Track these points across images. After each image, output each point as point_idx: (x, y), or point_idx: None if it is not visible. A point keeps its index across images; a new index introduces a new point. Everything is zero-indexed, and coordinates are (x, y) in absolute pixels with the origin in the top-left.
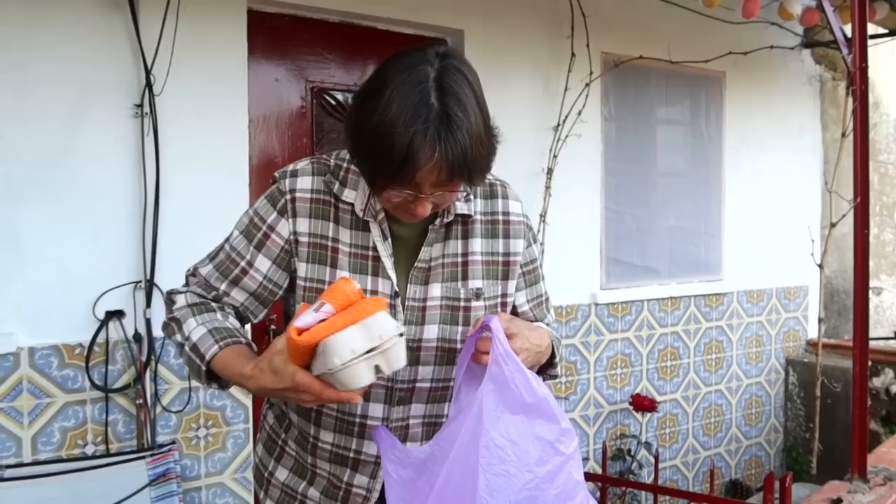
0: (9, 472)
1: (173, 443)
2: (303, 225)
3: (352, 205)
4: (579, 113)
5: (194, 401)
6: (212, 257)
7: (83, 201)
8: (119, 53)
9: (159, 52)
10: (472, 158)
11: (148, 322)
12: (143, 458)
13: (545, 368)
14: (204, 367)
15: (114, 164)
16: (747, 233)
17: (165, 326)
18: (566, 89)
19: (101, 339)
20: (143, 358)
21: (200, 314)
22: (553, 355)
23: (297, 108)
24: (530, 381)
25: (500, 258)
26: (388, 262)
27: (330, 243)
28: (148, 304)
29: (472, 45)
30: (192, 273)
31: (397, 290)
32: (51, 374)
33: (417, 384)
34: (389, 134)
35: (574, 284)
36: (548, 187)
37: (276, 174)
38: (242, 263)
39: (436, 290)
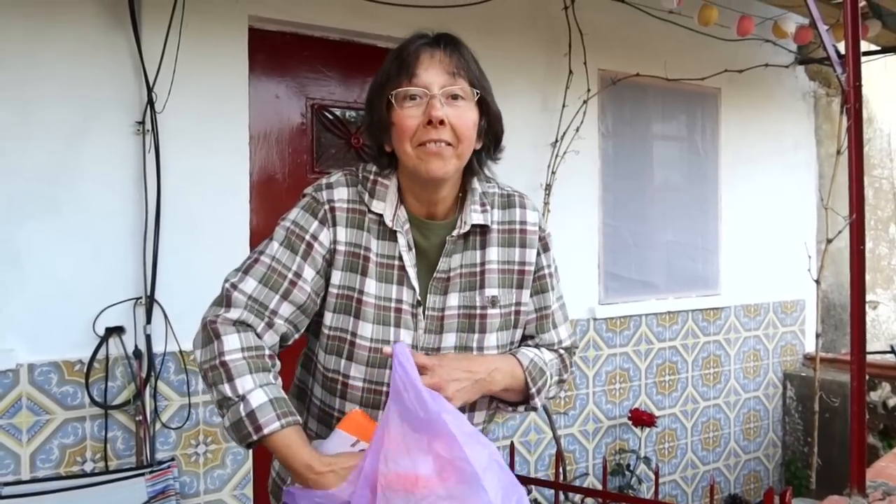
0: (7, 490)
1: (172, 459)
2: (341, 234)
3: (380, 215)
4: (577, 129)
5: (194, 417)
6: (246, 271)
7: (84, 218)
8: (121, 71)
9: (161, 69)
10: (473, 66)
11: (148, 338)
12: (143, 474)
13: (525, 401)
14: (255, 438)
15: (115, 180)
16: (744, 247)
17: (212, 369)
18: (564, 106)
19: (100, 355)
20: (143, 374)
21: (258, 371)
22: (528, 386)
23: (297, 125)
24: (424, 397)
25: (516, 267)
26: (412, 272)
27: (362, 252)
28: (148, 321)
29: None
30: (233, 287)
31: (419, 299)
32: (50, 390)
33: None
34: (393, 56)
35: (572, 299)
36: (546, 203)
37: (310, 188)
38: (290, 275)
39: (453, 299)
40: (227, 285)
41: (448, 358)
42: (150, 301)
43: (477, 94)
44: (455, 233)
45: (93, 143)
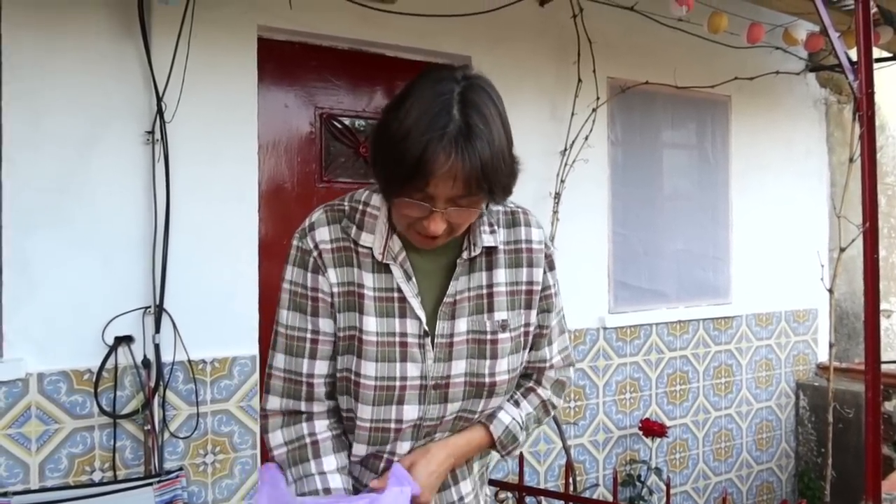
0: (16, 499)
1: (181, 469)
2: (333, 276)
3: (370, 248)
4: (586, 138)
5: (202, 427)
6: (273, 347)
7: (93, 227)
8: (131, 80)
9: (171, 79)
10: (491, 170)
11: (157, 347)
12: (151, 484)
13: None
14: None
15: (124, 190)
16: (755, 256)
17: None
18: (573, 114)
19: (109, 364)
20: (152, 383)
21: (294, 465)
22: (497, 450)
23: (306, 134)
24: None
25: (524, 287)
26: (415, 302)
27: (356, 289)
28: (157, 330)
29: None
30: (269, 368)
31: (426, 329)
32: (59, 399)
33: (445, 419)
34: (406, 138)
35: (582, 308)
36: (555, 211)
37: (296, 236)
38: (309, 335)
39: (462, 324)
40: (266, 369)
41: (421, 469)
42: (159, 310)
43: (485, 203)
44: (465, 256)
45: (102, 152)
